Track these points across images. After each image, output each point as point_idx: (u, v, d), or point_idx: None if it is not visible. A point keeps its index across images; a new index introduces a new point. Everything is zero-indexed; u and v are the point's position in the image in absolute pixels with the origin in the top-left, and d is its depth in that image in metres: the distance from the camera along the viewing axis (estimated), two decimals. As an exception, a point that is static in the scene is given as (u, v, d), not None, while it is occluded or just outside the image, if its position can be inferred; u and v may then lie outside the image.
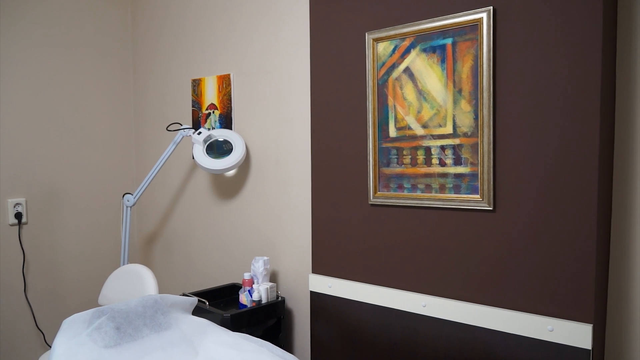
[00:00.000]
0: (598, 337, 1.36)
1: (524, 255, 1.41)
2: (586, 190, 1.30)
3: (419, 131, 1.62)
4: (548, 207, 1.37)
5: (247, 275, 2.22)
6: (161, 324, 1.77)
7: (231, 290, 2.41)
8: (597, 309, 1.33)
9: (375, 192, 1.74)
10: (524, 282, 1.42)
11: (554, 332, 1.34)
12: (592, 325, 1.29)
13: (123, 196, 2.65)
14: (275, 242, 2.36)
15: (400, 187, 1.68)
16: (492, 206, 1.47)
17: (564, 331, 1.32)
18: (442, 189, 1.58)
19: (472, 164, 1.51)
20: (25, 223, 2.67)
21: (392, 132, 1.69)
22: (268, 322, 2.19)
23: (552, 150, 1.36)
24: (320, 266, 1.92)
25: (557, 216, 1.35)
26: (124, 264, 2.63)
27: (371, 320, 1.76)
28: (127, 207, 2.65)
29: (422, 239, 1.63)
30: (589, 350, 1.28)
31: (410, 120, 1.64)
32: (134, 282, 2.29)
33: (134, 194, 2.64)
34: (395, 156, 1.68)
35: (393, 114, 1.68)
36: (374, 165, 1.73)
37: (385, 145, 1.71)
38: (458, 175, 1.54)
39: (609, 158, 1.41)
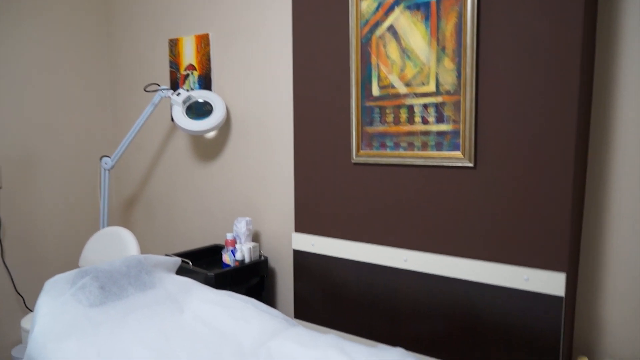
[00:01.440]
0: (570, 284, 1.43)
1: (502, 209, 1.46)
2: (564, 148, 1.34)
3: (402, 89, 1.63)
4: (527, 163, 1.41)
5: (229, 236, 2.24)
6: (146, 283, 1.78)
7: (214, 251, 2.43)
8: (570, 259, 1.39)
9: (358, 151, 1.75)
10: (502, 235, 1.47)
11: (530, 281, 1.40)
12: (565, 273, 1.35)
13: (101, 159, 2.61)
14: (258, 203, 2.37)
15: (383, 146, 1.70)
16: (473, 163, 1.50)
17: (539, 280, 1.39)
18: (424, 146, 1.60)
19: (454, 121, 1.53)
20: (0, 187, 2.61)
21: (375, 90, 1.69)
22: (251, 280, 2.22)
23: (532, 108, 1.39)
24: (303, 225, 1.95)
25: (535, 172, 1.40)
26: (103, 227, 2.61)
27: (354, 276, 1.80)
28: (105, 170, 2.61)
29: (404, 196, 1.66)
30: (562, 297, 1.35)
31: (394, 78, 1.65)
32: (115, 244, 2.29)
33: (112, 157, 2.60)
34: (378, 115, 1.70)
35: (376, 73, 1.68)
36: (357, 124, 1.74)
37: (368, 104, 1.72)
38: (440, 133, 1.56)
39: (587, 116, 1.45)
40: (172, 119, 2.49)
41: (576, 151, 1.35)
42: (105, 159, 2.60)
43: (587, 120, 1.48)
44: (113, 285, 1.68)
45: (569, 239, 1.36)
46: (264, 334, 1.55)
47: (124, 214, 3.11)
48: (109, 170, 2.61)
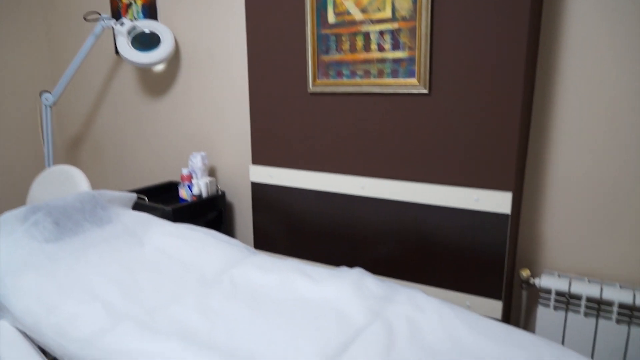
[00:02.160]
0: (516, 203, 1.54)
1: (454, 134, 1.52)
2: (513, 75, 1.39)
3: (358, 16, 1.61)
4: (478, 90, 1.45)
5: (185, 171, 2.21)
6: (102, 219, 1.76)
7: (169, 188, 2.40)
8: (516, 179, 1.48)
9: (314, 81, 1.74)
10: (455, 159, 1.53)
11: (479, 202, 1.49)
12: (511, 192, 1.44)
13: (40, 95, 2.46)
14: (213, 137, 2.33)
15: (339, 74, 1.69)
16: (428, 90, 1.53)
17: (488, 200, 1.48)
18: (380, 74, 1.61)
19: (410, 48, 1.54)
20: None
21: (331, 18, 1.67)
22: (209, 215, 2.23)
23: (485, 35, 1.42)
24: (260, 157, 1.95)
25: (485, 98, 1.45)
26: (49, 167, 2.51)
27: (312, 206, 1.84)
28: (46, 106, 2.47)
29: (361, 124, 1.69)
30: (508, 215, 1.45)
31: (350, 5, 1.62)
32: (63, 183, 2.21)
33: (53, 93, 2.45)
34: (334, 43, 1.68)
35: (332, -1, 1.65)
36: (313, 53, 1.72)
37: (324, 32, 1.69)
38: (396, 60, 1.57)
39: (536, 44, 1.50)
40: (117, 52, 2.36)
41: (525, 78, 1.40)
42: (45, 94, 2.45)
43: (536, 48, 1.53)
44: (68, 220, 1.65)
45: (515, 161, 1.44)
46: (226, 263, 1.58)
47: (70, 153, 2.99)
48: (50, 106, 2.47)
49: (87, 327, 1.22)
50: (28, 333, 1.27)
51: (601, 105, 1.48)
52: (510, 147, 1.44)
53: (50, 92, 2.46)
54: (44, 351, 1.28)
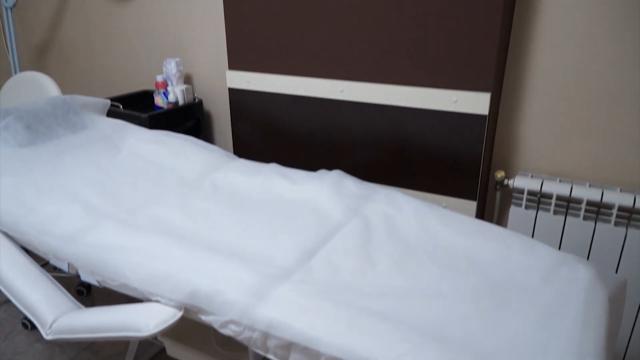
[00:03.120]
0: (494, 104, 1.54)
1: (434, 35, 1.48)
2: (500, -35, 1.34)
3: None
4: (463, -16, 1.40)
5: (159, 78, 2.14)
6: (76, 124, 1.72)
7: (144, 97, 2.33)
8: (495, 80, 1.48)
9: (292, -23, 1.65)
10: (434, 60, 1.51)
11: (458, 103, 1.49)
12: (490, 93, 1.44)
13: (-1, -5, 2.30)
14: (187, 43, 2.24)
15: (318, -30, 1.60)
16: (410, -14, 1.47)
17: (466, 101, 1.48)
18: (361, -31, 1.53)
19: (393, -61, 1.46)
20: None
21: None
22: (187, 123, 2.19)
23: None
24: (237, 62, 1.89)
25: (470, -7, 1.40)
26: (16, 74, 2.40)
27: (291, 110, 1.82)
28: (6, 8, 2.31)
29: (339, 25, 1.63)
30: (486, 115, 1.46)
31: None
32: (32, 91, 2.13)
33: (12, -7, 2.29)
34: None
35: None
36: (291, -55, 1.62)
37: None
38: (378, -46, 1.49)
39: None
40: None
41: (511, -30, 1.35)
42: (4, -5, 2.29)
43: (524, -60, 1.46)
44: (40, 125, 1.61)
45: (495, 61, 1.43)
46: (206, 167, 1.58)
47: (36, 62, 2.85)
48: (10, 8, 2.32)
49: (68, 225, 1.23)
50: (9, 233, 1.27)
51: (584, 7, 1.44)
52: (491, 47, 1.41)
53: (9, -7, 2.30)
54: (27, 251, 1.30)
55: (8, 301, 2.03)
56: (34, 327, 1.90)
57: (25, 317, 1.92)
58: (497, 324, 0.94)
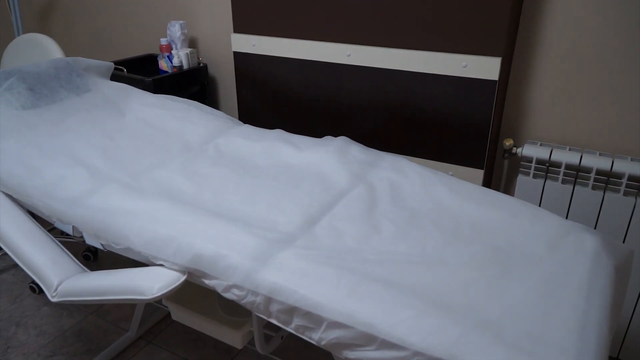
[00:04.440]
0: (504, 70, 1.50)
1: (448, -4, 1.43)
2: None
3: None
4: (477, -58, 1.34)
5: (163, 41, 2.11)
6: (79, 87, 1.70)
7: (148, 61, 2.30)
8: (507, 44, 1.43)
9: None
10: (444, 23, 1.46)
11: (467, 68, 1.45)
12: (500, 58, 1.40)
13: (-1, -46, 2.25)
14: (191, 5, 2.19)
15: None
16: (421, -56, 1.41)
17: (476, 66, 1.44)
18: None
19: None
20: None
21: None
22: (191, 88, 2.17)
23: None
24: (242, 24, 1.85)
25: (484, -48, 1.34)
26: (19, 35, 2.37)
27: (296, 75, 1.79)
28: (7, -32, 2.27)
29: (349, -14, 1.58)
30: (496, 81, 1.42)
31: None
32: (35, 53, 2.11)
33: (13, -48, 2.24)
34: None
35: None
36: None
37: None
38: None
39: None
40: None
41: None
42: (4, -46, 2.24)
43: None
44: (43, 87, 1.59)
45: (507, 24, 1.38)
46: (210, 132, 1.56)
47: (39, 25, 2.81)
48: (12, -32, 2.27)
49: (72, 188, 1.22)
50: (14, 195, 1.27)
51: (605, -37, 1.38)
52: (503, 9, 1.36)
53: (9, -48, 2.25)
54: (33, 214, 1.30)
55: (16, 265, 2.06)
56: (41, 290, 1.93)
57: (33, 281, 1.95)
58: (500, 291, 0.93)
